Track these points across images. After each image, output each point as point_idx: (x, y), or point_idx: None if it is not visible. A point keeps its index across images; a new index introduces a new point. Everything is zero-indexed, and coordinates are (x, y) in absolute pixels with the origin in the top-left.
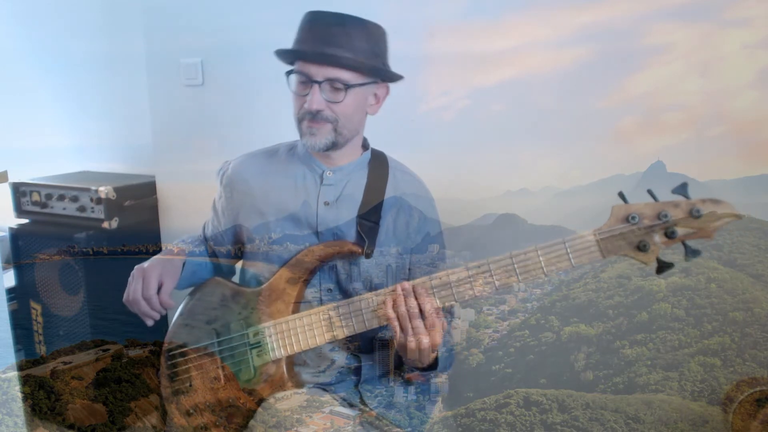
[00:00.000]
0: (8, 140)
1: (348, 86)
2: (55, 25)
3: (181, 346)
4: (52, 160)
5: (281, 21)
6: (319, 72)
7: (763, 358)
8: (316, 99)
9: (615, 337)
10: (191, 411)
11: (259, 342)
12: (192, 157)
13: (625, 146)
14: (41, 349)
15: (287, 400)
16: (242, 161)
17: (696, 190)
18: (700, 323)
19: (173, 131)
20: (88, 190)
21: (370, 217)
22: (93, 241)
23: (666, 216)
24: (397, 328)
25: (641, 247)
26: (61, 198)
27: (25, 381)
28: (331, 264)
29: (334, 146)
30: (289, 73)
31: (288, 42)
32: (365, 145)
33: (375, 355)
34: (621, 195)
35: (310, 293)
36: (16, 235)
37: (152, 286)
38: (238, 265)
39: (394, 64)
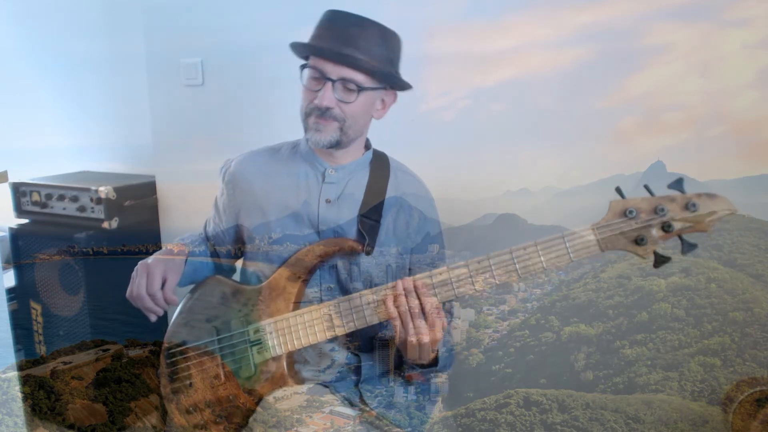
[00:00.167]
0: (8, 140)
1: (360, 88)
2: (55, 25)
3: (181, 345)
4: (52, 160)
5: (281, 21)
6: (334, 70)
7: (763, 358)
8: (328, 96)
9: (615, 337)
10: (191, 410)
11: (259, 339)
12: (192, 157)
13: (625, 146)
14: (41, 349)
15: (287, 400)
16: (245, 159)
17: (696, 190)
18: (700, 323)
19: (173, 131)
20: (88, 190)
21: (371, 216)
22: (93, 241)
23: (663, 210)
24: (398, 326)
25: (638, 241)
26: (61, 198)
27: (25, 381)
28: (332, 263)
29: (337, 145)
30: (303, 66)
31: (288, 41)
32: (367, 145)
33: (375, 354)
34: (618, 190)
35: (311, 292)
36: (16, 235)
37: (156, 282)
38: (239, 263)
39: None
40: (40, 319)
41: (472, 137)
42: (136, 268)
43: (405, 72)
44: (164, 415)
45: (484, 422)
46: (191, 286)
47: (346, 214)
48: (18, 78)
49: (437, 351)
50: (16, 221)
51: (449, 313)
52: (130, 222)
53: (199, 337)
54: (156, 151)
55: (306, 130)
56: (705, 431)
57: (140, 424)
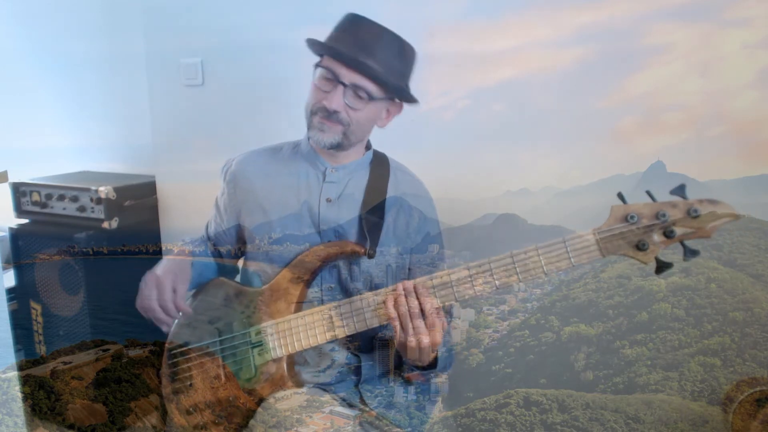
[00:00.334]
0: (8, 140)
1: (370, 97)
2: (55, 25)
3: (183, 346)
4: (52, 160)
5: (281, 21)
6: (348, 75)
7: (763, 358)
8: (337, 99)
9: (615, 337)
10: (191, 410)
11: (260, 341)
12: (192, 157)
13: (625, 146)
14: (41, 349)
15: (287, 400)
16: (246, 158)
17: (696, 190)
18: (700, 323)
19: (173, 131)
20: (88, 190)
21: (374, 213)
22: (93, 241)
23: (664, 216)
24: (398, 327)
25: (640, 247)
26: (61, 198)
27: (25, 381)
28: (333, 264)
29: (338, 147)
30: (317, 65)
31: (288, 41)
32: (368, 146)
33: (375, 355)
34: (620, 195)
35: (312, 292)
36: (16, 235)
37: (168, 294)
38: (240, 263)
39: None
40: (40, 319)
41: (472, 137)
42: (144, 279)
43: None
44: (164, 415)
45: (484, 422)
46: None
47: (347, 214)
48: (18, 78)
49: (437, 352)
50: (16, 221)
51: (448, 313)
52: (130, 222)
53: (201, 338)
54: (156, 151)
55: (309, 127)
56: (705, 431)
57: (140, 424)
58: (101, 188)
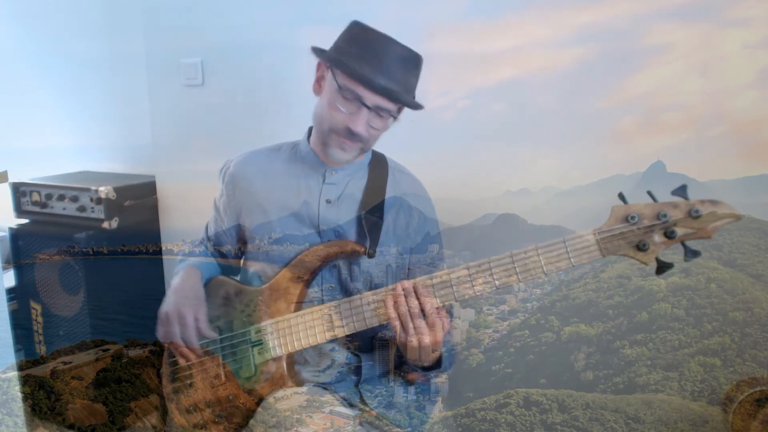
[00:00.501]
0: (8, 140)
1: (390, 115)
2: (55, 25)
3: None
4: (52, 160)
5: (281, 21)
6: (372, 98)
7: (763, 358)
8: (362, 123)
9: (615, 337)
10: (191, 409)
11: (260, 340)
12: (192, 157)
13: (625, 146)
14: (41, 349)
15: (287, 400)
16: (244, 159)
17: (696, 190)
18: (700, 323)
19: (173, 131)
20: (88, 190)
21: (374, 213)
22: (93, 241)
23: (665, 216)
24: (398, 328)
25: (641, 247)
26: (61, 198)
27: (25, 381)
28: (333, 264)
29: (353, 159)
30: (340, 88)
31: (288, 41)
32: None
33: (375, 355)
34: (621, 195)
35: (312, 291)
36: (16, 235)
37: (191, 329)
38: (240, 263)
39: None
40: (40, 319)
41: (472, 137)
42: (165, 313)
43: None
44: (164, 415)
45: (484, 422)
46: None
47: (346, 215)
48: (18, 78)
49: (439, 352)
50: (16, 221)
51: (449, 313)
52: (130, 222)
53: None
54: (156, 151)
55: (327, 144)
56: (705, 431)
57: (140, 424)
58: (101, 188)
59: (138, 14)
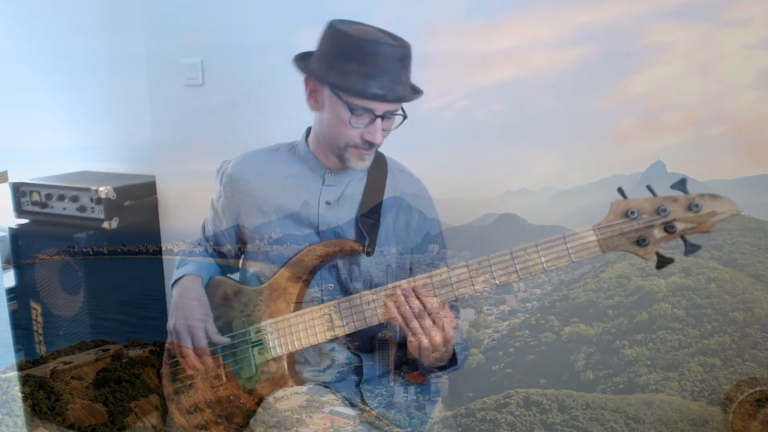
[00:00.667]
0: (8, 140)
1: (400, 114)
2: (55, 25)
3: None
4: (52, 160)
5: (281, 21)
6: (382, 107)
7: (763, 358)
8: (380, 132)
9: (615, 337)
10: (192, 410)
11: (260, 340)
12: (192, 157)
13: (625, 146)
14: (41, 349)
15: (287, 400)
16: (242, 160)
17: (696, 190)
18: (700, 323)
19: (173, 131)
20: (88, 190)
21: (371, 215)
22: (93, 241)
23: (665, 211)
24: (407, 332)
25: (640, 242)
26: (61, 198)
27: (25, 381)
28: (332, 263)
29: None
30: (351, 108)
31: (288, 41)
32: None
33: (376, 355)
34: (620, 190)
35: (312, 291)
36: (16, 235)
37: (202, 340)
38: (239, 263)
39: None
40: (40, 319)
41: (472, 137)
42: (174, 327)
43: None
44: (164, 415)
45: (484, 422)
46: None
47: (346, 216)
48: (18, 78)
49: (452, 350)
50: (16, 221)
51: (455, 310)
52: (130, 222)
53: None
54: (156, 151)
55: (345, 160)
56: (705, 431)
57: (140, 424)
58: (101, 188)
59: (138, 14)
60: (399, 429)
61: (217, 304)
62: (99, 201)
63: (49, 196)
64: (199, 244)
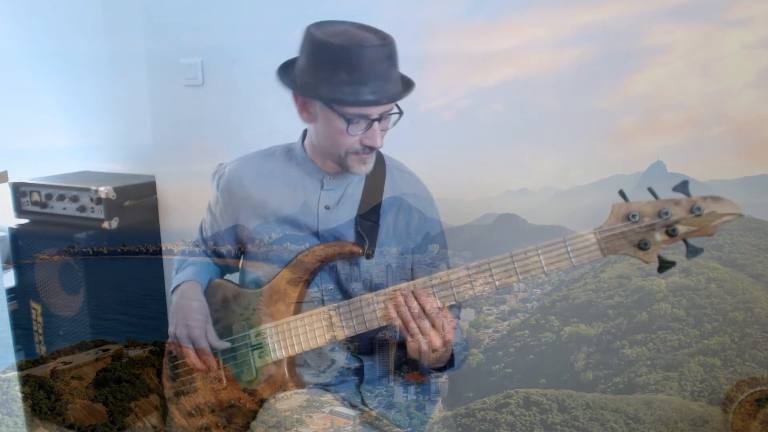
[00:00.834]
0: (8, 140)
1: (395, 113)
2: (55, 25)
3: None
4: (52, 160)
5: (281, 21)
6: (379, 110)
7: (763, 358)
8: (379, 134)
9: (615, 337)
10: (193, 412)
11: (260, 343)
12: (192, 157)
13: (625, 146)
14: (41, 349)
15: (287, 400)
16: (239, 165)
17: (696, 190)
18: (700, 323)
19: (173, 131)
20: (88, 190)
21: (369, 217)
22: (93, 241)
23: (667, 214)
24: (407, 334)
25: (642, 246)
26: (61, 198)
27: (25, 381)
28: (332, 264)
29: None
30: (347, 118)
31: (288, 41)
32: None
33: (376, 356)
34: (621, 193)
35: (311, 292)
36: (16, 235)
37: (205, 344)
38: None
39: None
40: (40, 319)
41: (472, 137)
42: (175, 335)
43: (405, 71)
44: (164, 415)
45: (484, 422)
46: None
47: (346, 218)
48: (18, 78)
49: (450, 351)
50: (16, 221)
51: (456, 308)
52: (130, 222)
53: None
54: (156, 151)
55: (348, 166)
56: (705, 431)
57: (140, 424)
58: (101, 188)
59: (138, 14)
60: (399, 429)
61: (217, 307)
62: (99, 201)
63: (49, 196)
64: (197, 245)
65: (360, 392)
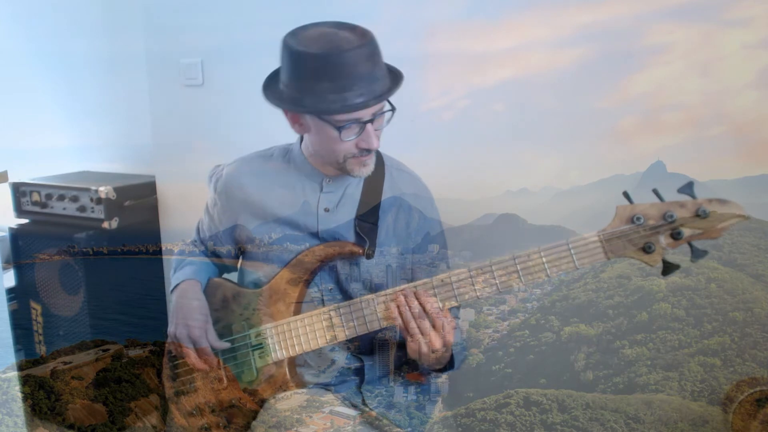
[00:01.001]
0: (8, 140)
1: (388, 110)
2: (55, 25)
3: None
4: (52, 160)
5: (281, 21)
6: (370, 111)
7: (763, 358)
8: (374, 135)
9: (615, 337)
10: (193, 412)
11: (261, 343)
12: (192, 157)
13: (625, 146)
14: (41, 349)
15: (287, 400)
16: (236, 167)
17: (696, 190)
18: (700, 323)
19: (173, 131)
20: (88, 190)
21: (368, 218)
22: (93, 241)
23: (672, 216)
24: (407, 334)
25: (646, 249)
26: (61, 198)
27: (25, 381)
28: (332, 264)
29: None
30: (339, 127)
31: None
32: None
33: (376, 356)
34: (626, 194)
35: (311, 292)
36: (16, 235)
37: (207, 346)
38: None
39: (395, 64)
40: (40, 319)
41: (472, 137)
42: (175, 335)
43: (405, 72)
44: (164, 415)
45: (484, 422)
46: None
47: (345, 219)
48: (18, 78)
49: (450, 352)
50: (16, 221)
51: (456, 308)
52: (130, 222)
53: None
54: (156, 151)
55: (349, 170)
56: (705, 431)
57: (140, 424)
58: (101, 188)
59: (138, 14)
60: (399, 429)
61: (217, 306)
62: (99, 201)
63: (49, 196)
64: (195, 246)
65: (360, 392)
